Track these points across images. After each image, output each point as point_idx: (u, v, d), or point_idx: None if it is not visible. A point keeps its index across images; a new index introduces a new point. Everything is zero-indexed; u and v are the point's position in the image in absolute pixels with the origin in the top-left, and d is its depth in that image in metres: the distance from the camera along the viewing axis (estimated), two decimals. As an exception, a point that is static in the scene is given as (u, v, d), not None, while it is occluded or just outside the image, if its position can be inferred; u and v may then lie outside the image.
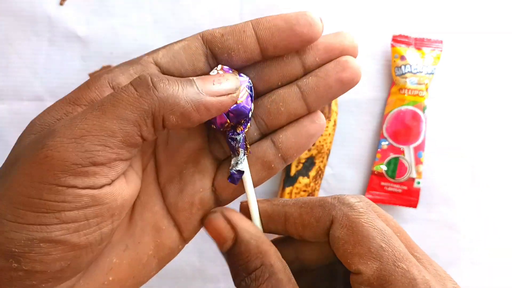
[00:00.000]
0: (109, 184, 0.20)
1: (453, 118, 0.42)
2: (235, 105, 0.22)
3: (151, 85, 0.19)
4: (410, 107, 0.41)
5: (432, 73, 0.41)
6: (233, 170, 0.23)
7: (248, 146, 0.24)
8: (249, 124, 0.23)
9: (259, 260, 0.21)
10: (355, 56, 0.23)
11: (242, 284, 0.21)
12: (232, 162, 0.23)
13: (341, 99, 0.41)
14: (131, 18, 0.43)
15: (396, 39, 0.42)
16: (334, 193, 0.43)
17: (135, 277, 0.23)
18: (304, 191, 0.40)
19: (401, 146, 0.41)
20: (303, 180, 0.40)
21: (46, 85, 0.43)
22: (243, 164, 0.23)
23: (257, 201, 0.24)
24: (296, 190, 0.40)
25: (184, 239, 0.25)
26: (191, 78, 0.21)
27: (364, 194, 0.42)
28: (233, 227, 0.22)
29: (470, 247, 0.43)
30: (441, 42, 0.42)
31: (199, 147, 0.24)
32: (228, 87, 0.21)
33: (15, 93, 0.43)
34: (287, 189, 0.40)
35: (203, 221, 0.23)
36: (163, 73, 0.23)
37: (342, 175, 0.42)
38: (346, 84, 0.23)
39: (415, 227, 0.42)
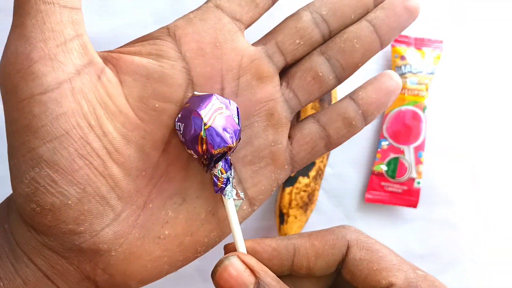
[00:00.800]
0: (68, 81, 0.20)
1: (453, 118, 0.42)
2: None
3: None
4: (410, 107, 0.41)
5: (432, 73, 0.41)
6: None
7: (230, 185, 0.22)
8: (228, 174, 0.22)
9: None
10: None
11: None
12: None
13: (341, 99, 0.41)
14: (131, 18, 0.43)
15: (396, 39, 0.42)
16: (334, 193, 0.43)
17: (193, 234, 0.23)
18: (304, 191, 0.40)
19: (401, 146, 0.41)
20: (303, 180, 0.40)
21: (46, 85, 0.43)
22: (228, 206, 0.22)
23: (254, 240, 0.23)
24: (296, 190, 0.40)
25: (250, 200, 0.24)
26: None
27: (364, 194, 0.42)
28: (252, 270, 0.21)
29: (470, 247, 0.43)
30: (441, 42, 0.42)
31: (272, 97, 0.24)
32: None
33: (15, 93, 0.43)
34: (287, 189, 0.40)
35: (215, 271, 0.21)
36: (227, 13, 0.23)
37: (342, 175, 0.42)
38: (413, 12, 0.24)
39: (415, 227, 0.42)
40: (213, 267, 0.43)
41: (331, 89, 0.25)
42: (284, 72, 0.25)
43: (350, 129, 0.25)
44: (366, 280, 0.21)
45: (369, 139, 0.42)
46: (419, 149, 0.41)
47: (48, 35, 0.19)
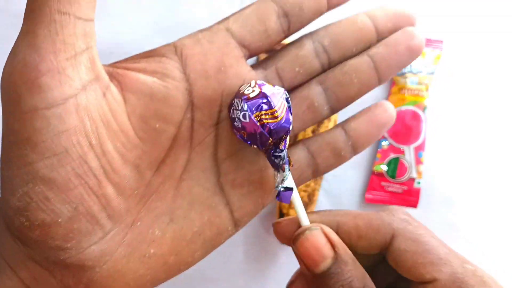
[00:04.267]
0: (74, 97, 0.19)
1: (453, 118, 0.42)
2: (276, 122, 0.21)
3: None
4: (411, 107, 0.41)
5: (432, 73, 0.41)
6: (280, 188, 0.22)
7: (291, 160, 0.23)
8: (288, 137, 0.22)
9: (362, 282, 0.21)
10: (415, 25, 0.24)
11: None
12: (278, 179, 0.22)
13: (341, 99, 0.41)
14: (131, 18, 0.43)
15: (396, 39, 0.42)
16: (334, 193, 0.43)
17: (178, 254, 0.23)
18: (304, 191, 0.40)
19: (401, 146, 0.41)
20: (303, 180, 0.40)
21: (46, 85, 0.43)
22: (289, 180, 0.22)
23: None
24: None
25: (235, 222, 0.24)
26: None
27: (364, 194, 0.42)
28: (333, 245, 0.21)
29: (470, 247, 0.43)
30: (441, 42, 0.42)
31: None
32: None
33: (15, 93, 0.43)
34: (287, 189, 0.40)
35: (297, 238, 0.22)
36: (236, 38, 0.22)
37: (342, 175, 0.42)
38: (415, 52, 0.24)
39: (415, 227, 0.42)
40: (213, 267, 0.42)
41: (324, 119, 0.25)
42: None
43: (339, 159, 0.25)
44: (410, 271, 0.21)
45: (369, 139, 0.42)
46: (419, 149, 0.41)
47: (59, 47, 0.18)
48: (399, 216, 0.23)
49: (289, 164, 0.23)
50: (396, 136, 0.41)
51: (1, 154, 0.19)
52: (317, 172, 0.25)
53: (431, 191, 0.42)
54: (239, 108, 0.22)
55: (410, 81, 0.41)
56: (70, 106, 0.19)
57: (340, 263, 0.21)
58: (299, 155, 0.25)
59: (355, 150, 0.25)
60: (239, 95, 0.22)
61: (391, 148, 0.41)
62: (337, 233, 0.23)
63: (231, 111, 0.22)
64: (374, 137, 0.25)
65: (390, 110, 0.25)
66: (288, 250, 0.44)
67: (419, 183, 0.41)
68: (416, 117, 0.41)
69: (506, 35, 0.42)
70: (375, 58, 0.24)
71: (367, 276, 0.21)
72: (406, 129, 0.41)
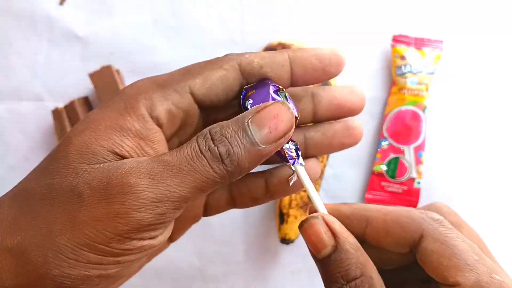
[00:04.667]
0: (162, 234, 0.22)
1: (453, 118, 0.42)
2: None
3: (220, 158, 0.20)
4: (410, 107, 0.41)
5: (433, 73, 0.41)
6: (290, 178, 0.24)
7: (295, 157, 0.24)
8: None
9: (359, 270, 0.22)
10: (362, 109, 0.26)
11: None
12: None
13: (341, 99, 0.41)
14: (131, 18, 0.43)
15: (396, 39, 0.42)
16: (334, 193, 0.43)
17: (125, 277, 0.25)
18: (304, 191, 0.40)
19: (401, 146, 0.41)
20: (303, 180, 0.40)
21: (45, 85, 0.43)
22: (298, 174, 0.24)
23: (334, 204, 0.24)
24: (296, 190, 0.40)
25: (171, 241, 0.28)
26: (245, 124, 0.21)
27: (364, 194, 0.42)
28: (333, 234, 0.22)
29: (470, 247, 0.43)
30: (441, 42, 0.42)
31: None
32: (284, 128, 0.22)
33: (15, 93, 0.43)
34: (287, 189, 0.40)
35: (302, 225, 0.23)
36: (197, 101, 0.24)
37: (342, 175, 0.42)
38: (346, 147, 0.26)
39: (415, 227, 0.42)
40: (213, 267, 0.42)
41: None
42: None
43: (255, 203, 0.27)
44: (435, 272, 0.22)
45: (369, 139, 0.42)
46: (419, 149, 0.41)
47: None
48: (431, 216, 0.23)
49: (298, 157, 0.24)
50: (396, 136, 0.41)
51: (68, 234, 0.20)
52: (235, 207, 0.28)
53: (431, 191, 0.42)
54: None
55: (410, 81, 0.41)
56: (154, 250, 0.22)
57: (340, 252, 0.22)
58: (222, 195, 0.27)
59: (271, 198, 0.27)
60: None
61: (391, 148, 0.41)
62: (366, 227, 0.24)
63: None
64: (291, 193, 0.27)
65: (314, 170, 0.26)
66: (288, 250, 0.44)
67: (419, 183, 0.41)
68: (416, 117, 0.41)
69: (506, 35, 0.42)
70: (308, 141, 0.26)
71: (369, 265, 0.22)
72: (406, 129, 0.41)
